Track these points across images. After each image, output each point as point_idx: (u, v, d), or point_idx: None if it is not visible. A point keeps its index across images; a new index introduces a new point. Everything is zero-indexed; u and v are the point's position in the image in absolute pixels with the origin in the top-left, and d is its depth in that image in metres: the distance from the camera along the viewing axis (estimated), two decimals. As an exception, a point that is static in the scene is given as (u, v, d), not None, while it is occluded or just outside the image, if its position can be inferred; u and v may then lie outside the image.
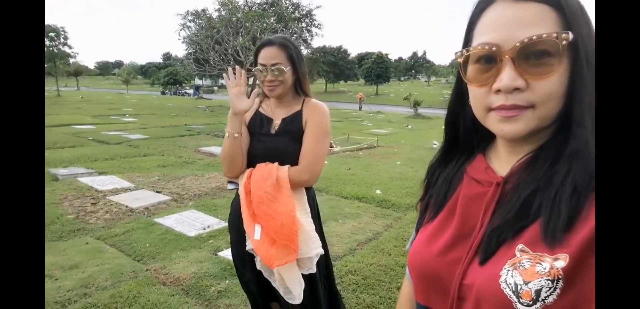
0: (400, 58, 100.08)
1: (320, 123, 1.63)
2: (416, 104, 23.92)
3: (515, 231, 0.54)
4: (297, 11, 24.75)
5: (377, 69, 54.11)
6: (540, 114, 0.54)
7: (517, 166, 0.59)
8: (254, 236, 1.56)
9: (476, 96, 0.59)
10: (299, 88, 1.70)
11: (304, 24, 25.52)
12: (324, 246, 1.69)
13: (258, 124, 1.69)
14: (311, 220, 1.62)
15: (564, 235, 0.49)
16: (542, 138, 0.58)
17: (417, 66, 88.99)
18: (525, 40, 0.51)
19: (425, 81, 79.44)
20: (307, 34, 25.92)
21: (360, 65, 64.54)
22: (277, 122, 1.66)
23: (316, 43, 59.61)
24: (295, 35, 22.69)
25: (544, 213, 0.52)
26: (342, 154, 9.02)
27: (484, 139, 0.67)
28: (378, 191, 5.53)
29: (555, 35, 0.51)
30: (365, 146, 10.25)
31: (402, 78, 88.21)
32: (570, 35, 0.51)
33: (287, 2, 24.36)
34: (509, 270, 0.51)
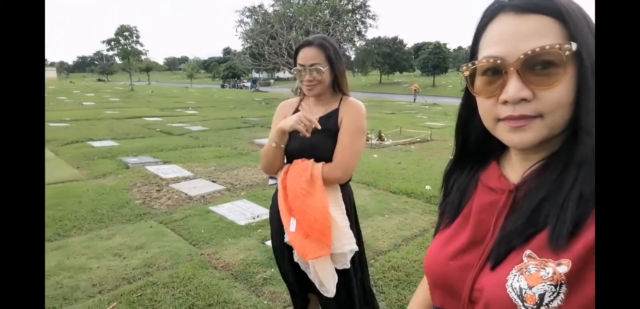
0: (459, 48, 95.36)
1: (355, 122, 1.66)
2: (475, 96, 22.66)
3: (524, 238, 0.55)
4: (350, 3, 24.58)
5: (434, 59, 52.13)
6: (549, 123, 0.54)
7: (529, 174, 0.60)
8: (290, 228, 1.64)
9: (484, 107, 0.60)
10: (337, 87, 1.74)
11: (358, 16, 25.29)
12: (359, 243, 1.73)
13: None
14: (345, 216, 1.66)
15: (567, 242, 0.50)
16: (554, 146, 0.58)
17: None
18: (529, 52, 0.52)
19: (487, 71, 75.07)
20: (361, 26, 25.68)
21: (416, 55, 62.65)
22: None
23: (371, 34, 58.78)
24: (348, 27, 22.60)
25: (551, 221, 0.53)
26: (393, 148, 8.89)
27: (497, 147, 0.68)
28: (428, 187, 5.40)
29: (558, 46, 0.52)
30: (417, 139, 10.00)
31: (461, 69, 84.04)
32: (574, 46, 0.52)
33: (341, -6, 24.26)
34: (515, 275, 0.53)
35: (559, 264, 0.49)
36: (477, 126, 0.67)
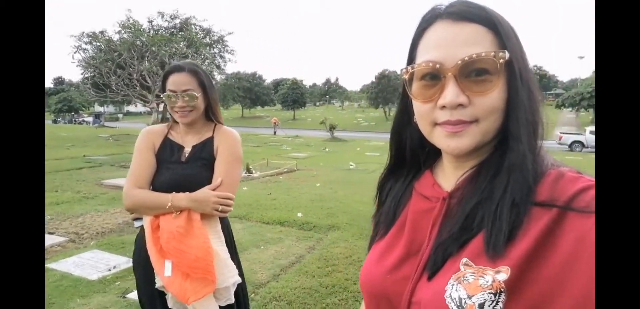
0: (314, 84, 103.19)
1: (232, 149, 1.61)
2: (332, 128, 24.85)
3: (459, 245, 0.55)
4: (208, 37, 24.13)
5: (293, 95, 55.12)
6: (483, 128, 0.55)
7: (462, 181, 0.60)
8: (164, 273, 1.46)
9: (421, 112, 0.60)
10: (211, 114, 1.67)
11: (216, 50, 24.92)
12: (241, 275, 1.64)
13: (168, 152, 1.60)
14: (226, 247, 1.57)
15: (505, 248, 0.50)
16: (484, 153, 0.59)
17: (330, 92, 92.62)
18: (466, 58, 0.53)
19: (339, 106, 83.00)
20: (220, 60, 25.35)
21: (276, 90, 65.17)
22: (187, 150, 1.61)
23: (230, 69, 58.60)
24: (207, 60, 22.09)
25: (486, 226, 0.53)
26: (262, 180, 8.91)
27: (430, 155, 0.69)
28: (299, 214, 5.56)
29: (493, 53, 0.53)
30: (285, 170, 10.28)
31: (317, 104, 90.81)
32: (507, 54, 0.53)
33: (197, 27, 23.64)
34: (453, 284, 0.52)
35: (497, 272, 0.49)
36: (412, 133, 0.67)
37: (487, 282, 0.49)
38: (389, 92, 45.24)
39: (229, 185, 1.56)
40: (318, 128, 30.05)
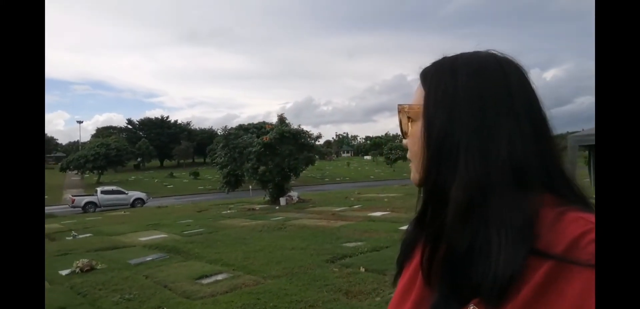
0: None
1: None
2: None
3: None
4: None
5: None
6: (414, 166, 0.63)
7: None
8: None
9: None
10: None
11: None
12: None
13: None
14: None
15: (505, 296, 0.49)
16: None
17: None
18: (399, 109, 0.65)
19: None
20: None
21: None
22: None
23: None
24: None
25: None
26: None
27: None
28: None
29: (408, 106, 0.62)
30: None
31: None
32: (420, 107, 0.59)
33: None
34: None
35: None
36: None
37: None
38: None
39: None
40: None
